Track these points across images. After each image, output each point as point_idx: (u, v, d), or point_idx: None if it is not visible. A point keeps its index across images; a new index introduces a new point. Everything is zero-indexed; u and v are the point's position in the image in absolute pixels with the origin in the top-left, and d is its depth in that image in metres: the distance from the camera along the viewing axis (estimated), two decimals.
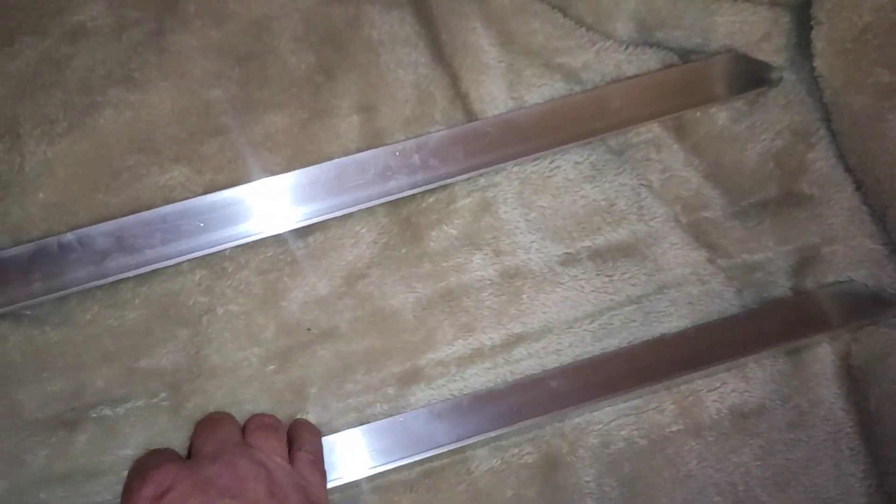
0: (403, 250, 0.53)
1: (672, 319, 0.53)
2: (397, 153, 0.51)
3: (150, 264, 0.47)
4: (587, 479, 0.48)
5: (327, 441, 0.48)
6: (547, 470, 0.49)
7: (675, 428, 0.49)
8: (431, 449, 0.47)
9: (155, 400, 0.48)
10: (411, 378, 0.50)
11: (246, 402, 0.48)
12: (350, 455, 0.47)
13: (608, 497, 0.48)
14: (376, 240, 0.53)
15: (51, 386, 0.48)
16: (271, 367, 0.49)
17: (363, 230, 0.53)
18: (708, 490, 0.48)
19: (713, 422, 0.50)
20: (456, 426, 0.48)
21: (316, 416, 0.49)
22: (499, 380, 0.51)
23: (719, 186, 0.57)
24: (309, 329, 0.50)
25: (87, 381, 0.48)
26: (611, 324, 0.53)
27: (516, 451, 0.49)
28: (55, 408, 0.48)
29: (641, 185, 0.55)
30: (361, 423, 0.49)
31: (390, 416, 0.49)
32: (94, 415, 0.47)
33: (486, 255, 0.53)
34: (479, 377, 0.51)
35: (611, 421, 0.50)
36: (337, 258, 0.52)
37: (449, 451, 0.48)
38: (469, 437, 0.48)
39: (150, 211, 0.48)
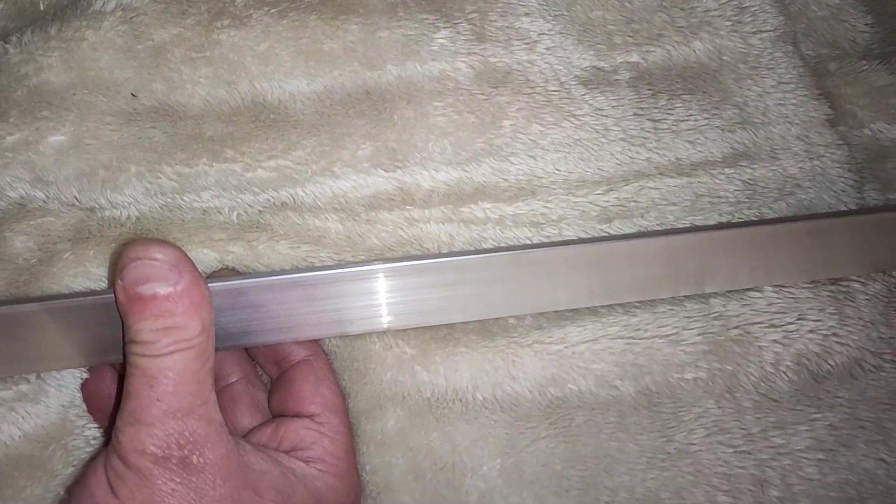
0: None
1: (738, 210, 0.32)
2: None
3: None
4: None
5: None
6: None
7: (690, 375, 0.30)
8: None
9: None
10: (289, 204, 0.31)
11: None
12: None
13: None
14: None
15: None
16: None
17: None
18: (712, 476, 0.30)
19: (762, 376, 0.30)
20: None
21: None
22: (429, 241, 0.31)
23: (874, 8, 0.35)
24: (133, 95, 0.30)
25: None
26: (637, 200, 0.32)
27: None
28: None
29: None
30: None
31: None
32: None
33: (459, 34, 0.31)
34: (400, 230, 0.31)
35: (583, 342, 0.31)
36: None
37: None
38: None
39: None
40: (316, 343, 0.31)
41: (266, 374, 0.32)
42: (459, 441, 0.30)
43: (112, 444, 0.25)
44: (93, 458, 0.26)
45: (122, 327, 0.25)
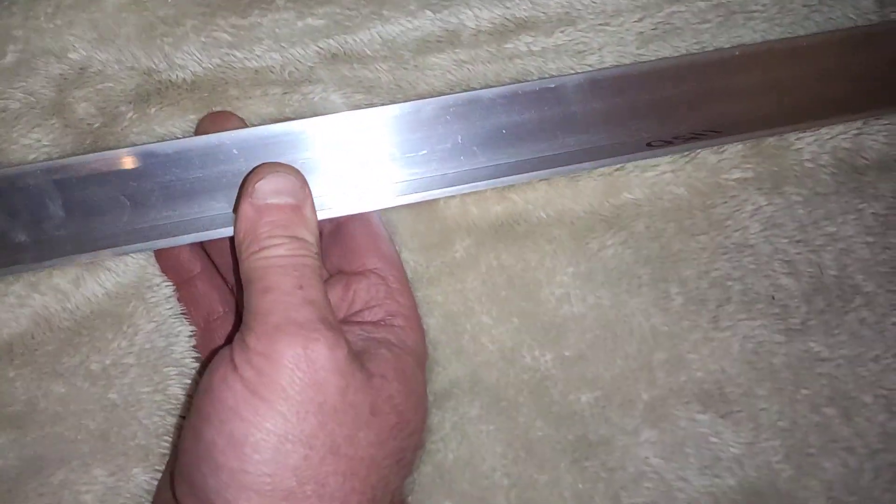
0: None
1: (769, 28, 0.34)
2: None
3: None
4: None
5: None
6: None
7: (737, 175, 0.32)
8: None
9: None
10: (339, 55, 0.32)
11: None
12: None
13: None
14: None
15: None
16: None
17: None
18: (772, 263, 0.31)
19: (805, 172, 0.32)
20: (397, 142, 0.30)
21: None
22: (476, 82, 0.32)
23: None
24: None
25: None
26: (671, 22, 0.33)
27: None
28: None
29: None
30: None
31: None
32: None
33: None
34: (448, 74, 0.32)
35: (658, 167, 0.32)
36: None
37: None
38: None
39: None
40: None
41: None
42: (530, 257, 0.31)
43: (246, 330, 0.24)
44: (224, 347, 0.25)
45: (246, 241, 0.25)
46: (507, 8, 0.32)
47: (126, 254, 0.30)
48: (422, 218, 0.32)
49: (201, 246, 0.32)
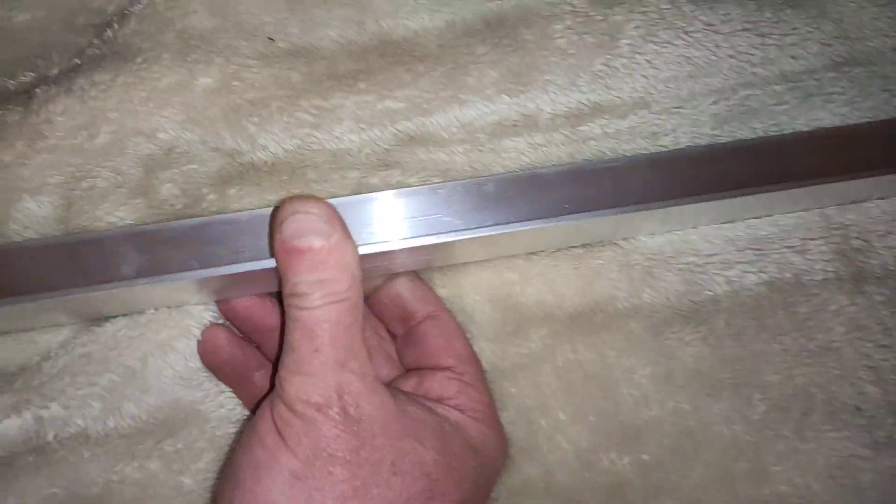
0: None
1: (845, 110, 0.33)
2: None
3: None
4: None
5: None
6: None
7: (819, 277, 0.31)
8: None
9: None
10: (416, 138, 0.32)
11: None
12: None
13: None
14: None
15: None
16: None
17: None
18: (857, 369, 0.30)
19: (887, 273, 0.31)
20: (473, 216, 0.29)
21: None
22: (550, 163, 0.32)
23: None
24: (271, 39, 0.31)
25: None
26: (746, 104, 0.33)
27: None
28: None
29: None
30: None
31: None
32: None
33: None
34: (522, 155, 0.32)
35: (714, 255, 0.31)
36: None
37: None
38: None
39: None
40: (437, 298, 0.31)
41: (391, 331, 0.32)
42: (607, 353, 0.30)
43: (277, 393, 0.25)
44: (258, 407, 0.26)
45: (280, 283, 0.25)
46: (583, 93, 0.32)
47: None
48: (498, 305, 0.31)
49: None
